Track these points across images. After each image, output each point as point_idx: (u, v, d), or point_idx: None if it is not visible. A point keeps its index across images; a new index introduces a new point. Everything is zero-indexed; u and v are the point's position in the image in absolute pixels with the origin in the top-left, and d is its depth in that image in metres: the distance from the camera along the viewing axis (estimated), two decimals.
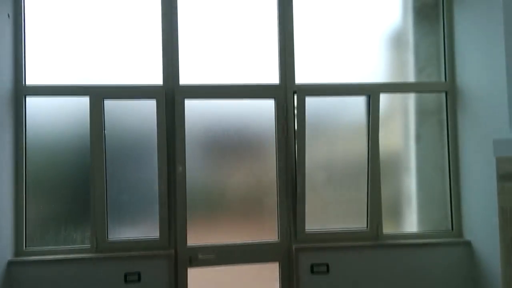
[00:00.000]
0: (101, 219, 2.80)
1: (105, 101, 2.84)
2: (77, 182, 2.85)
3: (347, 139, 3.03)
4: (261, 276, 2.98)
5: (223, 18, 3.01)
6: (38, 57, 2.87)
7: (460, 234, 3.08)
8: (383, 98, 3.07)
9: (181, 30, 2.97)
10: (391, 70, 3.13)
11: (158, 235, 2.84)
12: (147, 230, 2.86)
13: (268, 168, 2.98)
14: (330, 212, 3.02)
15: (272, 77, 3.03)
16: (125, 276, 2.76)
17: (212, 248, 2.90)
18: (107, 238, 2.83)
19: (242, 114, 2.97)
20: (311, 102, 2.96)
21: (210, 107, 2.94)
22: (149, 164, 2.86)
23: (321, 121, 3.02)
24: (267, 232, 2.97)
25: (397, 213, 3.10)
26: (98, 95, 2.82)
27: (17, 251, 2.78)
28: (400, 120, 3.14)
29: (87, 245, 2.82)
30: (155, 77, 2.94)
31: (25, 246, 2.80)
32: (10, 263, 2.69)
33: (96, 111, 2.80)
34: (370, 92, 2.99)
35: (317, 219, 2.99)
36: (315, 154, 3.00)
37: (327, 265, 2.91)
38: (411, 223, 3.11)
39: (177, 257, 2.85)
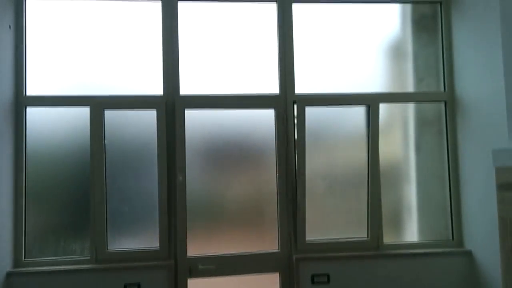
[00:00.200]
0: (101, 229, 2.79)
1: (105, 111, 2.85)
2: (77, 192, 2.84)
3: (347, 149, 3.04)
4: (261, 287, 2.97)
5: (223, 29, 3.03)
6: (39, 67, 2.88)
7: (460, 243, 3.08)
8: (383, 108, 3.09)
9: (182, 40, 2.99)
10: (390, 80, 3.15)
11: (158, 245, 2.83)
12: (147, 241, 2.86)
13: (268, 178, 2.98)
14: (330, 222, 3.01)
15: (272, 87, 3.05)
16: (125, 287, 2.74)
17: (212, 259, 2.88)
18: (107, 248, 2.81)
19: (242, 124, 2.98)
20: (311, 112, 2.98)
21: (210, 117, 2.95)
22: (149, 174, 2.86)
23: (321, 131, 3.03)
24: (268, 242, 2.96)
25: (398, 223, 3.10)
26: (99, 105, 2.82)
27: (16, 262, 2.76)
28: (399, 130, 3.15)
29: (86, 256, 2.80)
30: (156, 87, 2.96)
31: (24, 257, 2.78)
32: (9, 274, 2.67)
33: (97, 122, 2.81)
34: (370, 102, 3.01)
35: (318, 229, 2.99)
36: (315, 164, 3.00)
37: (328, 276, 2.90)
38: (411, 233, 3.11)
39: (177, 268, 2.84)
